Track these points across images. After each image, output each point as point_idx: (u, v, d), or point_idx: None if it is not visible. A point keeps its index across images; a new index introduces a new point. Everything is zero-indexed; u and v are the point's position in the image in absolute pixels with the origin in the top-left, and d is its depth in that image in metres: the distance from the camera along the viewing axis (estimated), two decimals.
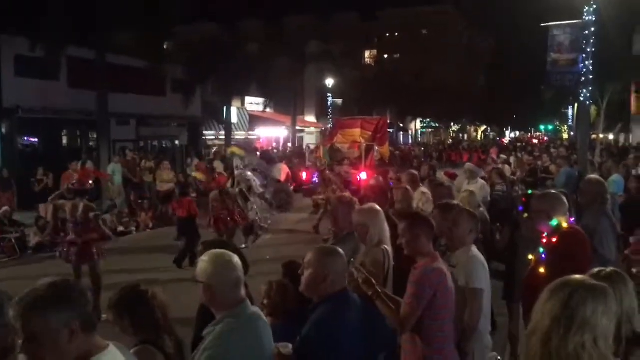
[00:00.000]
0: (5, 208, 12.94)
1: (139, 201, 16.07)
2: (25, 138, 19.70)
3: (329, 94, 36.38)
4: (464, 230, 4.15)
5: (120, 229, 14.38)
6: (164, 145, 26.73)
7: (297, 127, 34.62)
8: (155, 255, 11.88)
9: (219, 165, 20.73)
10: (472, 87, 58.15)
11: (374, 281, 3.52)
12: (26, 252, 12.44)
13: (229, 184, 12.45)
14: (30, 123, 18.61)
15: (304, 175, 19.05)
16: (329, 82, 34.81)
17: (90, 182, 13.70)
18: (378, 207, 4.64)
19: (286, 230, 14.68)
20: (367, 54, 59.39)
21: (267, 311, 3.79)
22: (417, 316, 3.47)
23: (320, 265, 3.10)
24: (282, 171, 18.36)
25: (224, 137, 28.25)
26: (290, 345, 3.12)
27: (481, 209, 6.60)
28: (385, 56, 60.51)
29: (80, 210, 8.09)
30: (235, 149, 17.10)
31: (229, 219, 11.08)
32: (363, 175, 14.59)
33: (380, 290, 3.52)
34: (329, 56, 33.43)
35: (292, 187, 18.88)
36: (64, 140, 21.74)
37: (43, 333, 1.91)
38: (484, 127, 78.70)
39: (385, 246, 4.41)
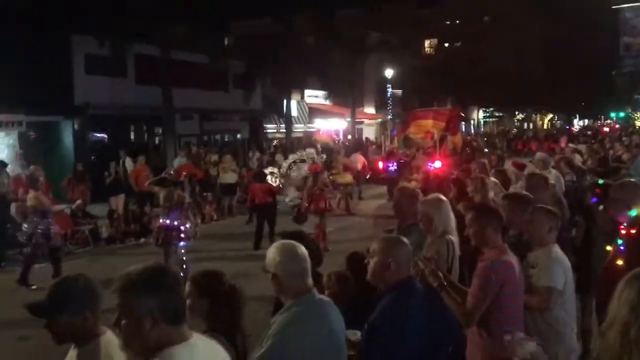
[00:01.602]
0: (78, 201, 13.52)
1: (204, 194, 16.46)
2: (96, 134, 20.51)
3: (388, 85, 36.00)
4: (542, 229, 3.93)
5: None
6: (226, 139, 27.25)
7: (357, 119, 34.46)
8: (221, 244, 12.42)
9: (280, 159, 20.96)
10: (536, 74, 56.16)
11: (439, 273, 3.47)
12: (99, 243, 13.00)
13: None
14: (99, 119, 19.38)
15: (380, 164, 19.73)
16: (388, 72, 34.41)
17: (184, 173, 15.43)
18: (443, 197, 4.61)
19: (367, 216, 15.64)
20: (427, 43, 58.35)
21: None
22: (483, 309, 3.40)
23: (384, 253, 3.17)
24: (359, 161, 19.28)
25: (284, 130, 28.53)
26: (359, 333, 3.16)
27: (563, 202, 6.23)
28: (446, 45, 59.34)
29: (175, 198, 9.10)
30: (325, 138, 18.18)
31: (321, 203, 11.70)
32: (437, 164, 14.80)
33: (445, 283, 3.46)
34: (387, 46, 33.05)
35: (368, 176, 19.87)
36: (132, 135, 22.54)
37: (129, 316, 1.97)
38: (550, 116, 75.96)
39: (451, 236, 4.37)
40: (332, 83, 30.63)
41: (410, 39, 38.56)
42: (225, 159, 17.50)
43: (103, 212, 14.27)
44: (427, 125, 18.34)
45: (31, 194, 10.12)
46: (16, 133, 17.05)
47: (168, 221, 8.88)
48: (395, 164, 17.86)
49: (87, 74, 18.91)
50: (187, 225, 9.05)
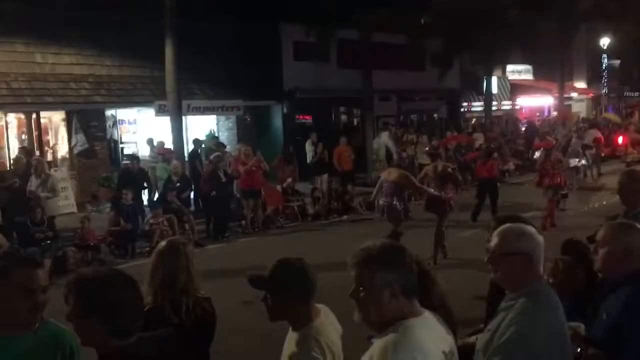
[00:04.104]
0: (289, 180, 14.60)
1: None
2: (301, 116, 21.80)
3: (603, 56, 32.43)
4: None
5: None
6: (423, 119, 27.11)
7: (565, 94, 31.75)
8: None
9: (479, 137, 20.33)
10: None
11: None
12: (306, 219, 13.91)
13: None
14: (305, 102, 20.58)
15: (620, 139, 18.84)
16: (604, 42, 30.95)
17: (449, 147, 17.31)
18: None
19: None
20: None
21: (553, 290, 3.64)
22: None
23: (618, 241, 2.87)
24: (593, 136, 19.06)
25: (483, 109, 27.47)
26: (583, 326, 2.97)
27: None
28: None
29: (440, 168, 9.70)
30: (611, 115, 18.55)
31: (553, 178, 11.89)
32: None
33: None
34: (601, 13, 29.72)
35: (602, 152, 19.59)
36: (333, 118, 23.57)
37: (368, 288, 2.08)
38: None
39: None
40: (537, 56, 28.54)
41: (630, 3, 34.18)
42: (422, 139, 17.50)
43: (309, 190, 15.20)
44: None
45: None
46: (235, 117, 18.93)
47: (437, 192, 9.46)
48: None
49: (295, 61, 20.18)
50: (451, 194, 9.63)
